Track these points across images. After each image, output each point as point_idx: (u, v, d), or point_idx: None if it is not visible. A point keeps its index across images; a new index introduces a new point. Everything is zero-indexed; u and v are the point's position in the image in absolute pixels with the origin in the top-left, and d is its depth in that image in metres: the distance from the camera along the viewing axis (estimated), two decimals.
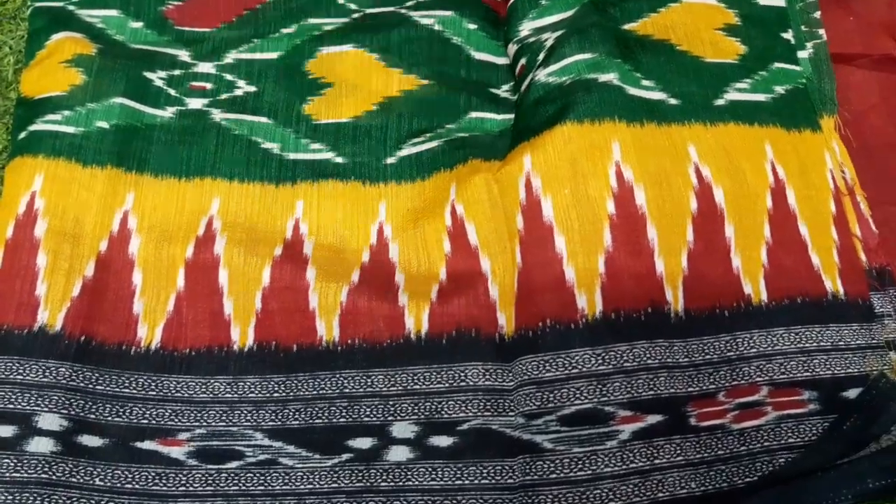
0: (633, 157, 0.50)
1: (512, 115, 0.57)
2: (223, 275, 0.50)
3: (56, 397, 0.45)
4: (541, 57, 0.55)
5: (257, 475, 0.45)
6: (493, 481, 0.45)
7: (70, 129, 0.52)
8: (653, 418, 0.45)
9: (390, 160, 0.55)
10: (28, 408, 0.45)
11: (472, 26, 0.60)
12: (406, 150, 0.55)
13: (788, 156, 0.53)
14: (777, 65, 0.58)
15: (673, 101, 0.54)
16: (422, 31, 0.59)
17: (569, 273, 0.47)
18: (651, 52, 0.56)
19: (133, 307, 0.49)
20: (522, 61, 0.56)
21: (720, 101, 0.55)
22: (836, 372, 0.47)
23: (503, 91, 0.58)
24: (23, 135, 0.52)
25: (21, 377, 0.45)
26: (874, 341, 0.48)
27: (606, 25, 0.56)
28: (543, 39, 0.56)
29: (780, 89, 0.57)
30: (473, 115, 0.57)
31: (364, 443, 0.46)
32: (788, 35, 0.59)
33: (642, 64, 0.55)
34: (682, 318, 0.47)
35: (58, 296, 0.47)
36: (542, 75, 0.54)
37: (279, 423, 0.46)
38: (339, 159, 0.55)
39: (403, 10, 0.60)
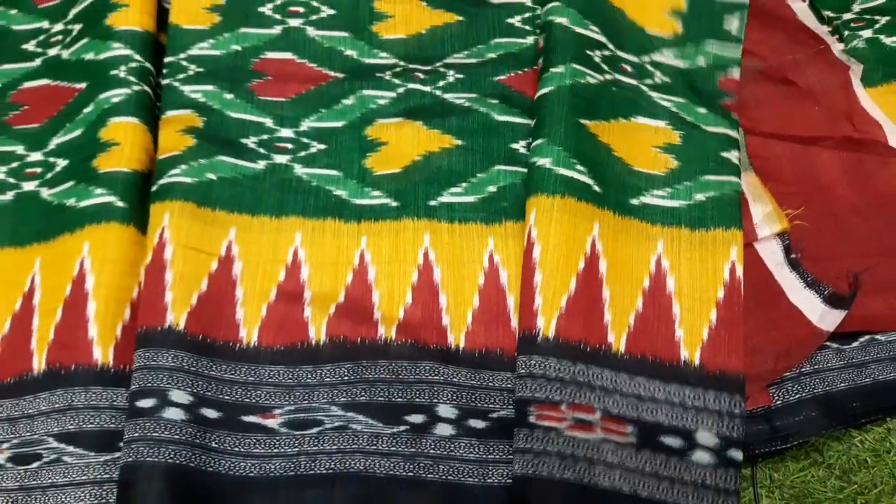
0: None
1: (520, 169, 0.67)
2: (307, 294, 0.61)
3: (182, 379, 0.56)
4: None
5: (333, 438, 0.57)
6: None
7: (188, 180, 0.63)
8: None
9: (432, 203, 0.66)
10: (163, 386, 0.56)
11: (494, 101, 0.71)
12: (446, 198, 0.66)
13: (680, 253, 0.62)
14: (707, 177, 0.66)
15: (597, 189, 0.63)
16: (452, 106, 0.70)
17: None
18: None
19: (236, 314, 0.60)
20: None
21: (634, 202, 0.64)
22: (659, 419, 0.56)
23: (521, 146, 0.69)
24: (155, 187, 0.63)
25: (157, 363, 0.56)
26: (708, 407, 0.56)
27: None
28: None
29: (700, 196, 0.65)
30: (497, 168, 0.68)
31: (417, 418, 0.58)
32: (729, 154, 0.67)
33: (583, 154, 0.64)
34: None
35: (181, 304, 0.58)
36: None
37: (350, 399, 0.58)
38: (394, 203, 0.66)
39: (438, 93, 0.71)
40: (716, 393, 0.57)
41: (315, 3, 0.75)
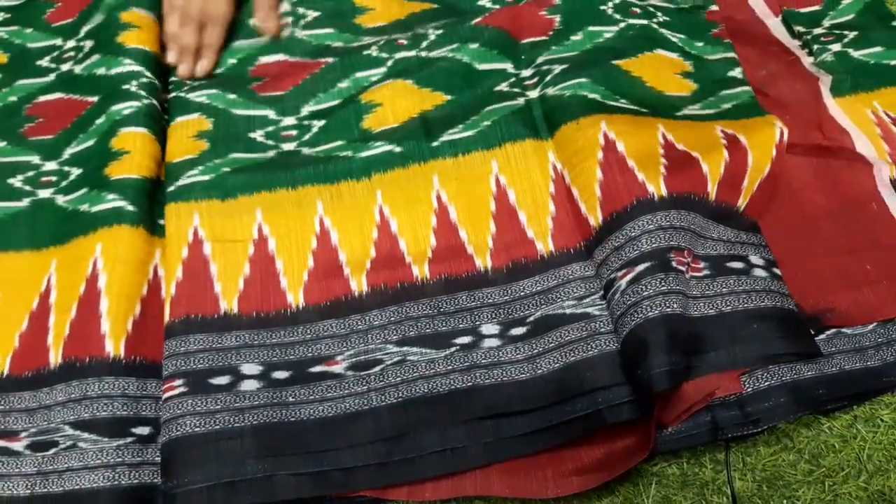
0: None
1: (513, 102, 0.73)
2: (342, 256, 0.66)
3: (247, 352, 0.61)
4: (548, 79, 0.73)
5: (395, 371, 0.61)
6: (561, 343, 0.61)
7: (206, 178, 0.69)
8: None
9: (434, 144, 0.71)
10: (234, 362, 0.61)
11: (473, 46, 0.76)
12: (446, 137, 0.71)
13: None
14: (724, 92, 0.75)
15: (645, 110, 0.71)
16: (437, 61, 0.76)
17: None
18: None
19: (280, 284, 0.65)
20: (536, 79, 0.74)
21: (678, 114, 0.72)
22: (721, 252, 0.64)
23: (505, 87, 0.75)
24: (172, 188, 0.68)
25: (222, 344, 0.62)
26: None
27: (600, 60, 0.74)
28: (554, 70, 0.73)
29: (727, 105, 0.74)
30: (487, 108, 0.73)
31: (464, 339, 0.62)
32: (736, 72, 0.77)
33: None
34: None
35: (230, 291, 0.64)
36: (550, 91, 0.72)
37: (400, 336, 0.62)
38: (398, 149, 0.71)
39: (423, 53, 0.77)
40: (749, 232, 0.67)
41: (300, 10, 0.81)
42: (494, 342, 0.62)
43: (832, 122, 0.77)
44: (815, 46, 0.81)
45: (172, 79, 0.76)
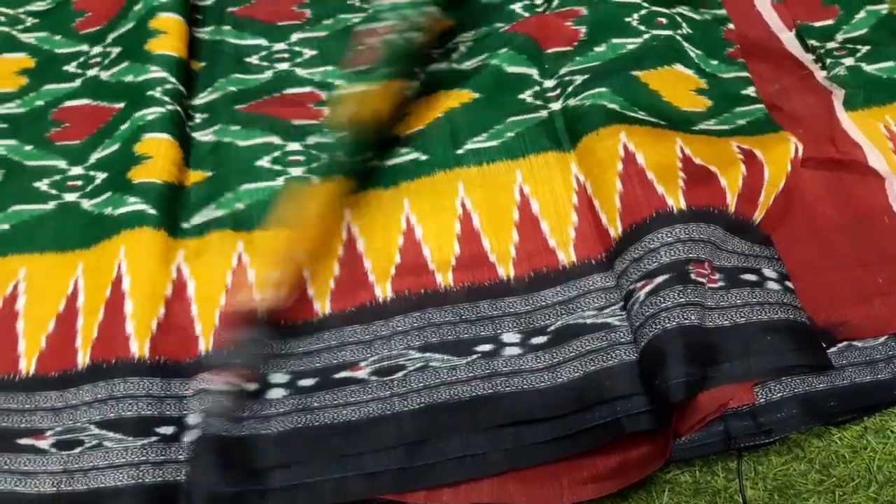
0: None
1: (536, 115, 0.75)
2: (367, 263, 0.68)
3: (277, 362, 0.63)
4: (570, 90, 0.75)
5: (417, 377, 0.62)
6: (581, 352, 0.62)
7: (223, 212, 0.72)
8: None
9: (459, 151, 0.73)
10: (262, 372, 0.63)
11: (503, 50, 0.79)
12: (471, 145, 0.74)
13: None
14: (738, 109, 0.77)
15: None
16: (467, 71, 0.79)
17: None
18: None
19: (307, 293, 0.67)
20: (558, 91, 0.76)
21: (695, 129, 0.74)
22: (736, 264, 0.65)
23: (529, 97, 0.77)
24: (200, 220, 0.71)
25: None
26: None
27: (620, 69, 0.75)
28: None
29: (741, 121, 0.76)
30: (511, 119, 0.75)
31: (485, 347, 0.64)
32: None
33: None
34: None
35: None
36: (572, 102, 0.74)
37: (423, 342, 0.64)
38: (424, 157, 0.73)
39: (455, 66, 0.80)
40: (763, 245, 0.68)
41: (298, 48, 0.85)
42: (515, 350, 0.63)
43: (845, 135, 0.78)
44: (829, 60, 0.82)
45: None
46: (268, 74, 0.83)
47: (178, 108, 0.75)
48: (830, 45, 0.84)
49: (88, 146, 0.75)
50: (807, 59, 0.84)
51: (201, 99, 0.80)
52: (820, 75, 0.82)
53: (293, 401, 0.62)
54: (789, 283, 0.66)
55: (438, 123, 0.74)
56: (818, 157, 0.76)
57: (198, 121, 0.78)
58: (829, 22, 0.86)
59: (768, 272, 0.66)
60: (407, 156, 0.73)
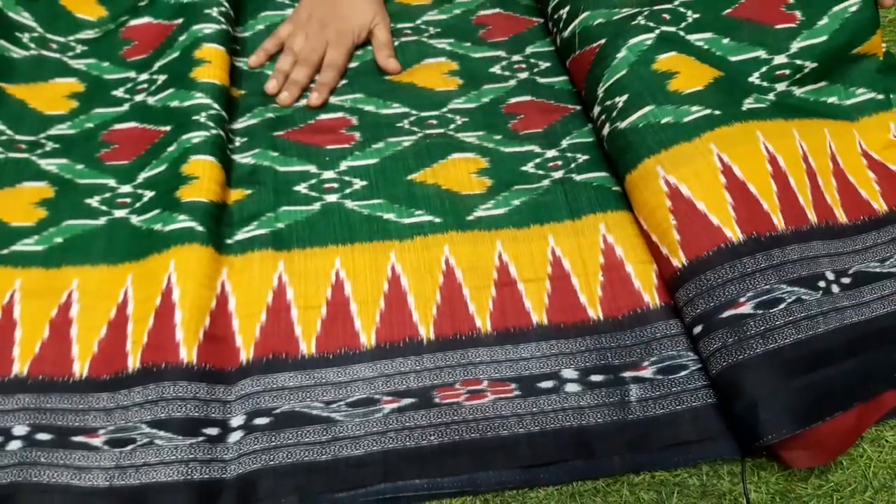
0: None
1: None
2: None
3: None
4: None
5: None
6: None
7: (265, 231, 0.77)
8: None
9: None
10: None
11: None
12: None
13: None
14: None
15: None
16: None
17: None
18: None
19: (295, 331, 0.71)
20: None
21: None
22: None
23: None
24: (243, 236, 0.77)
25: (277, 385, 0.69)
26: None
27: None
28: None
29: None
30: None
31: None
32: None
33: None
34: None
35: (310, 330, 0.71)
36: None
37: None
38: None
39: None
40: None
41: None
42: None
43: None
44: None
45: None
46: (302, 102, 0.89)
47: (221, 133, 0.81)
48: None
49: (137, 166, 0.81)
50: None
51: (240, 124, 0.86)
52: None
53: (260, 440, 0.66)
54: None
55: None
56: None
57: (238, 144, 0.84)
58: None
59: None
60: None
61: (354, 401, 0.68)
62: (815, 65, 0.82)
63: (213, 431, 0.65)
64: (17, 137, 0.83)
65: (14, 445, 0.64)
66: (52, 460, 0.63)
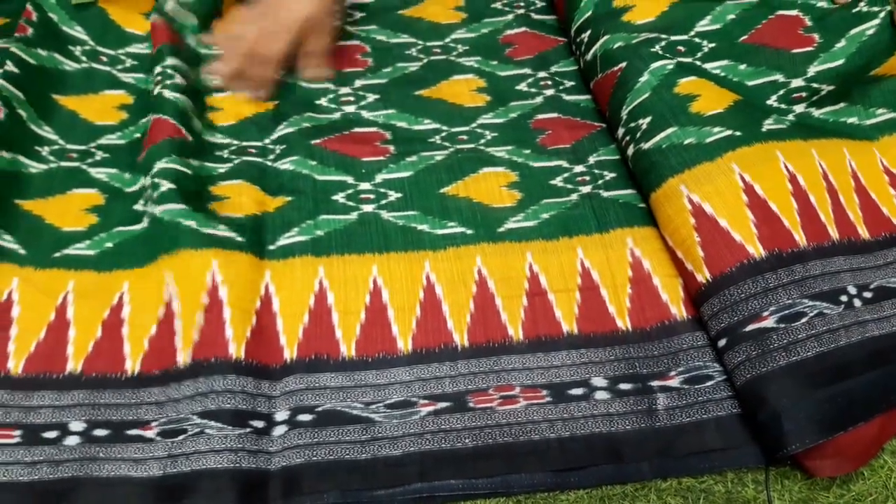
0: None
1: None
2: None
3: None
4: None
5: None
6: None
7: (305, 238, 0.80)
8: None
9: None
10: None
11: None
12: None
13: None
14: None
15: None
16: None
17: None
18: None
19: (335, 334, 0.74)
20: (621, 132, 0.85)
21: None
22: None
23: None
24: (284, 242, 0.80)
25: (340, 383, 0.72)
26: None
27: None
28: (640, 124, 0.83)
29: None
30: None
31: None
32: None
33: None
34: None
35: (350, 334, 0.74)
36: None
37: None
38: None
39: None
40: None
41: (361, 92, 0.95)
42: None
43: None
44: None
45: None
46: (336, 115, 0.92)
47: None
48: None
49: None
50: None
51: (277, 133, 0.90)
52: None
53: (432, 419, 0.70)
54: None
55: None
56: None
57: (277, 152, 0.88)
58: None
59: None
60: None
61: (392, 403, 0.71)
62: (832, 87, 0.86)
63: (259, 424, 0.68)
64: (69, 147, 0.87)
65: (72, 440, 0.67)
66: (110, 455, 0.66)
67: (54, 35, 0.94)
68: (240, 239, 0.77)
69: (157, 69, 0.89)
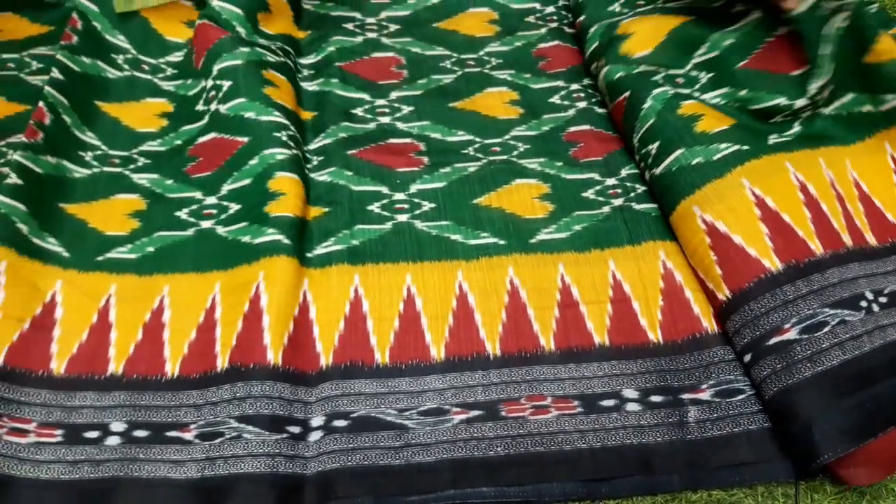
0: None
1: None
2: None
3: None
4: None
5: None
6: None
7: (341, 247, 0.81)
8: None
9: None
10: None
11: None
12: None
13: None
14: None
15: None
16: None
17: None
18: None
19: (370, 341, 0.76)
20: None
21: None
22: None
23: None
24: (322, 251, 0.81)
25: (375, 390, 0.73)
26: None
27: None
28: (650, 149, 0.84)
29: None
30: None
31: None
32: None
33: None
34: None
35: (328, 344, 0.75)
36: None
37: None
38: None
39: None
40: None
41: (396, 104, 0.96)
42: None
43: None
44: None
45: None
46: (372, 126, 0.94)
47: (300, 154, 0.86)
48: None
49: (219, 178, 0.86)
50: None
51: (316, 143, 0.91)
52: None
53: (465, 427, 0.71)
54: None
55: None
56: None
57: (315, 163, 0.89)
58: None
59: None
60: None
61: (426, 410, 0.72)
62: (832, 86, 0.86)
63: (295, 430, 0.70)
64: (112, 153, 0.89)
65: (113, 441, 0.69)
66: (150, 456, 0.68)
67: (98, 43, 0.96)
68: (287, 242, 0.78)
69: (210, 83, 0.91)
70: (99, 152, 0.89)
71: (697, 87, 0.89)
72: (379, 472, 0.68)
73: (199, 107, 0.93)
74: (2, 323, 0.73)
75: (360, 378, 0.73)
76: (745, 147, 0.79)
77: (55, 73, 0.90)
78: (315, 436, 0.70)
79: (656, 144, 0.82)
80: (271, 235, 0.78)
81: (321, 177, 0.88)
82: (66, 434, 0.69)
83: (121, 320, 0.76)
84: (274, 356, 0.71)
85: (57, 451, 0.68)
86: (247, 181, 0.84)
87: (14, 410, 0.69)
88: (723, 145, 0.79)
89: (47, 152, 0.84)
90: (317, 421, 0.71)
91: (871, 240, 0.78)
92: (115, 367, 0.74)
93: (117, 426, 0.70)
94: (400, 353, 0.75)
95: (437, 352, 0.75)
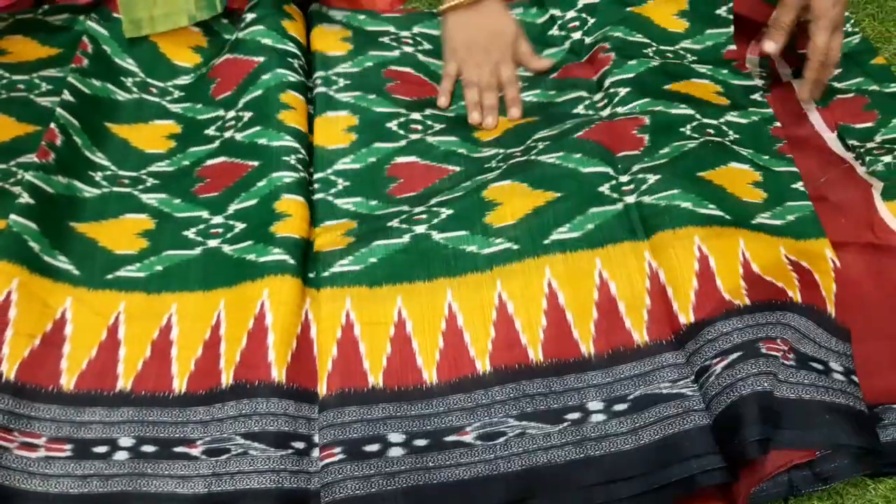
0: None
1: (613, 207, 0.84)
2: (467, 336, 0.77)
3: (392, 423, 0.71)
4: (643, 188, 0.84)
5: (517, 443, 0.69)
6: (660, 418, 0.70)
7: (356, 267, 0.81)
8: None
9: (546, 242, 0.82)
10: (381, 432, 0.71)
11: (577, 155, 0.88)
12: (555, 236, 0.82)
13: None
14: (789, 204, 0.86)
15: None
16: (546, 166, 0.87)
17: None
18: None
19: (417, 362, 0.75)
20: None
21: (754, 223, 0.83)
22: (807, 351, 0.72)
23: (606, 189, 0.86)
24: (326, 274, 0.81)
25: (371, 415, 0.72)
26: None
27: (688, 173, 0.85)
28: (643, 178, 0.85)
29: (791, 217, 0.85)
30: (592, 210, 0.84)
31: (574, 416, 0.71)
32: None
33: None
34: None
35: (376, 367, 0.75)
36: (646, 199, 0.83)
37: (520, 411, 0.71)
38: (515, 246, 0.82)
39: (534, 158, 0.89)
40: (840, 340, 0.76)
41: (429, 122, 0.96)
42: (600, 417, 0.71)
43: (882, 223, 0.88)
44: (868, 158, 0.93)
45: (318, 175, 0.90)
46: (402, 143, 0.94)
47: (307, 176, 0.88)
48: (870, 144, 0.95)
49: (226, 198, 0.88)
50: (848, 156, 0.95)
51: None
52: (860, 170, 0.93)
53: (411, 459, 0.69)
54: (855, 378, 0.73)
55: (527, 218, 0.84)
56: (859, 242, 0.86)
57: (340, 187, 0.90)
58: (869, 124, 0.97)
59: (835, 366, 0.73)
60: (500, 246, 0.83)
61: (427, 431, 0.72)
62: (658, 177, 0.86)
63: (300, 445, 0.71)
64: (121, 173, 0.91)
65: (121, 455, 0.70)
66: (157, 471, 0.69)
67: (108, 66, 0.98)
68: (292, 262, 0.80)
69: (231, 113, 0.93)
70: (109, 172, 0.91)
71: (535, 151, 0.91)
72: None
73: (210, 132, 0.95)
74: (13, 339, 0.74)
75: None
76: (516, 247, 0.83)
77: (66, 96, 0.92)
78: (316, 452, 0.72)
79: (450, 212, 0.87)
80: (277, 255, 0.80)
81: (345, 205, 0.88)
82: (75, 449, 0.71)
83: (129, 337, 0.78)
84: (278, 373, 0.73)
85: (66, 466, 0.70)
86: (253, 201, 0.86)
87: (24, 425, 0.71)
88: (498, 240, 0.84)
89: (59, 172, 0.86)
90: (320, 438, 0.72)
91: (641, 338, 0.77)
92: (124, 383, 0.75)
93: (126, 441, 0.71)
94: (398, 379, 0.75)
95: (429, 376, 0.76)
